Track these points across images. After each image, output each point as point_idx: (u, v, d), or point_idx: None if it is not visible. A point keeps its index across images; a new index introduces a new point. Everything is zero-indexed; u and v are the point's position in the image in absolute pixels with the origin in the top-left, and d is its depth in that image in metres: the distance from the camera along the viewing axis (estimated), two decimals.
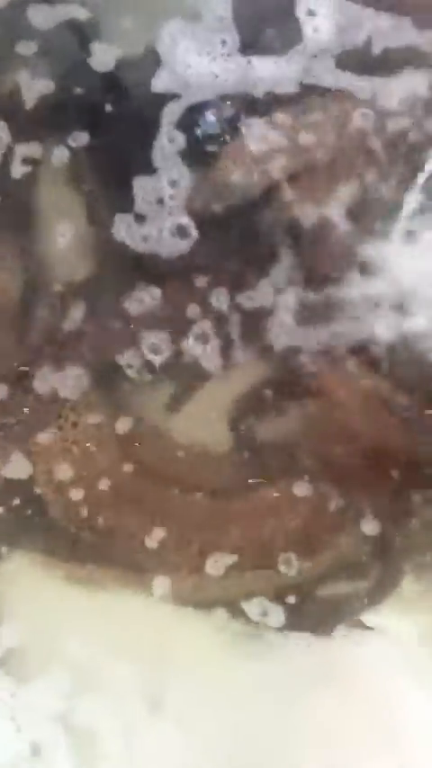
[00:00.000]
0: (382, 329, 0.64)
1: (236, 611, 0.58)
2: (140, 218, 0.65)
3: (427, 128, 0.66)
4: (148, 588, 0.58)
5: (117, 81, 0.68)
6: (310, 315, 0.64)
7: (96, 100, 0.67)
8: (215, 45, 0.68)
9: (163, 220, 0.65)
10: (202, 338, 0.64)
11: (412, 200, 0.64)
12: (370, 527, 0.60)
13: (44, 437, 0.62)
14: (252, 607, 0.58)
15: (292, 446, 0.62)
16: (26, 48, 0.67)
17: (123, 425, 0.62)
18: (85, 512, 0.60)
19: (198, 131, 0.67)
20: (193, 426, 0.62)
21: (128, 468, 0.61)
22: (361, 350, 0.63)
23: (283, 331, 0.64)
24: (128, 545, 0.59)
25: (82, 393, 0.63)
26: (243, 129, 0.67)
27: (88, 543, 0.60)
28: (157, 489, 0.60)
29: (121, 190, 0.66)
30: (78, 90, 0.67)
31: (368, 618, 0.58)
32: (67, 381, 0.63)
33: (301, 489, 0.60)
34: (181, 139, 0.66)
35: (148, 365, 0.63)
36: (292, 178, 0.67)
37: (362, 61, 0.67)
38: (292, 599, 0.58)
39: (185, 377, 0.63)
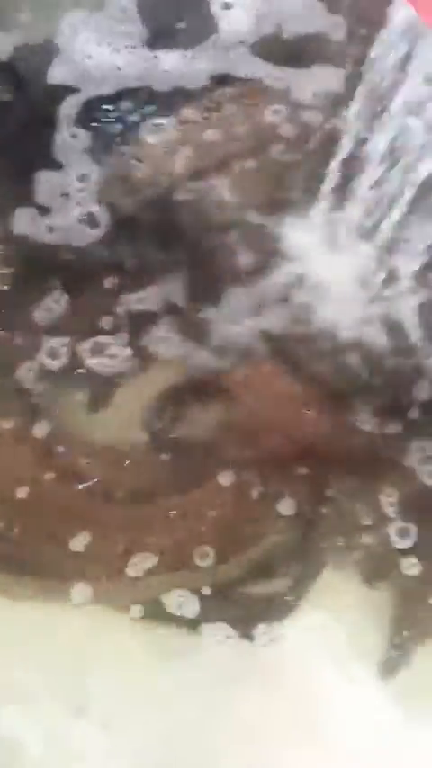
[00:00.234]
0: (295, 323, 0.64)
1: (157, 612, 0.58)
2: (45, 210, 0.64)
3: (338, 117, 0.66)
4: (67, 594, 0.58)
5: (14, 71, 0.66)
6: (221, 311, 0.64)
7: None
8: (117, 36, 0.67)
9: (70, 210, 0.64)
10: (116, 340, 0.63)
11: (325, 191, 0.64)
12: (289, 521, 0.60)
13: None
14: (171, 599, 0.58)
15: (208, 445, 0.62)
16: None
17: (40, 430, 0.61)
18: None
19: (98, 126, 0.66)
20: (109, 429, 0.62)
21: (48, 474, 0.60)
22: (273, 346, 0.64)
23: (195, 329, 0.64)
24: (47, 552, 0.59)
25: None
26: (146, 125, 0.66)
27: (4, 553, 0.59)
28: (76, 494, 0.60)
29: (21, 183, 0.65)
30: None
31: (291, 612, 0.58)
32: None
33: (219, 487, 0.60)
34: (83, 135, 0.65)
35: (50, 370, 0.62)
36: (198, 173, 0.66)
37: (277, 52, 0.67)
38: (211, 594, 0.58)
39: (99, 381, 0.62)
